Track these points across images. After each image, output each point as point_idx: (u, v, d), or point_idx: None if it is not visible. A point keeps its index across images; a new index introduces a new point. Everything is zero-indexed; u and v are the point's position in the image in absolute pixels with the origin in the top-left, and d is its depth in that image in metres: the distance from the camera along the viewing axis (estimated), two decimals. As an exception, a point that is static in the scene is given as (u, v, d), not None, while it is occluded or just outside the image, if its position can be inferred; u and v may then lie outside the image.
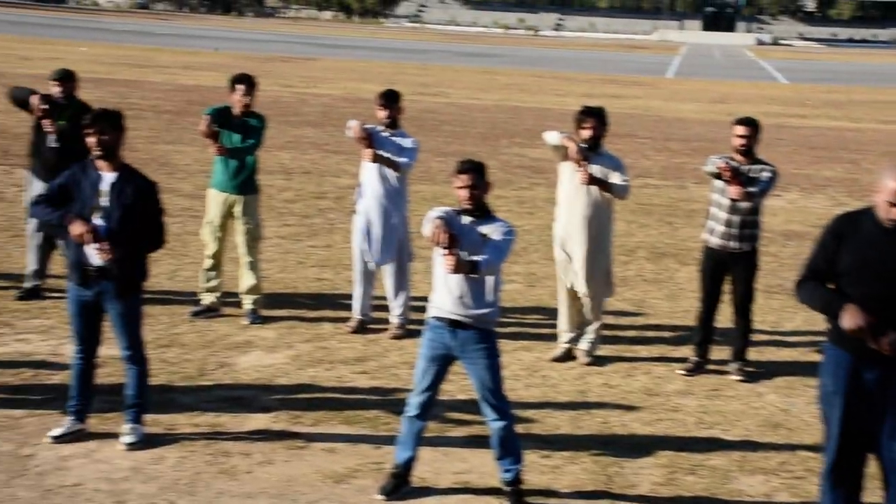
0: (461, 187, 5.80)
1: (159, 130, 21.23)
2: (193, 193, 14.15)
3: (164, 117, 22.89)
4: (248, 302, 9.20)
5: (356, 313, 9.13)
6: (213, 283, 9.26)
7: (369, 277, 9.13)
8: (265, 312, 9.25)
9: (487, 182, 5.90)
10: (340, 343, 8.71)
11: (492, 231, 5.79)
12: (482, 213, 5.87)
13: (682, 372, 8.36)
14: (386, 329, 9.03)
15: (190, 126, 22.08)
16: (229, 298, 9.37)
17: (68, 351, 7.87)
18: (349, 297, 9.48)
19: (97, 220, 6.20)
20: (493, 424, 5.94)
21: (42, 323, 8.68)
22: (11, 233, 11.73)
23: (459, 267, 5.60)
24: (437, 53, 61.64)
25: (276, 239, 12.03)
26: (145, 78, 32.70)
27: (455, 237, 5.61)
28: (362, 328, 9.06)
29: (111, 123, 6.29)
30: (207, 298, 9.27)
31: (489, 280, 5.82)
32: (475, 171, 5.82)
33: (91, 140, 6.23)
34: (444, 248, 5.60)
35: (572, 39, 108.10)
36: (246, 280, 9.20)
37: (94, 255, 6.22)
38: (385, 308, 9.16)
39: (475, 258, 5.66)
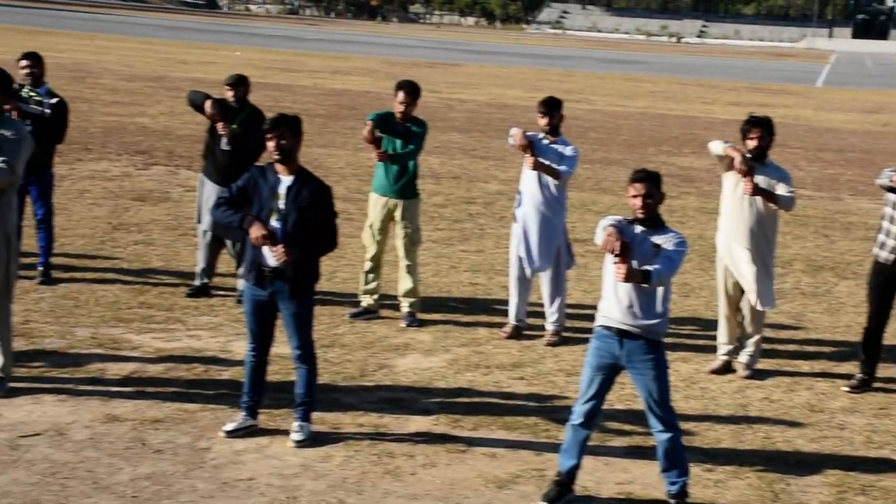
0: (635, 196, 5.75)
1: (312, 134, 21.60)
2: (347, 196, 14.37)
3: (316, 121, 23.31)
4: (405, 305, 9.30)
5: (512, 319, 9.14)
6: (372, 285, 9.38)
7: (525, 284, 9.13)
8: (421, 316, 9.32)
9: (661, 192, 5.84)
10: (496, 348, 8.73)
11: (664, 241, 5.73)
12: (655, 223, 5.81)
13: (848, 389, 8.12)
14: (541, 335, 9.01)
15: (341, 130, 22.49)
16: (386, 301, 9.48)
17: (237, 348, 8.12)
18: (503, 302, 9.49)
19: (274, 223, 6.34)
20: (659, 436, 5.87)
21: (211, 320, 8.92)
22: (179, 231, 12.08)
23: (631, 276, 5.56)
24: (580, 60, 61.35)
25: (429, 243, 12.13)
26: (296, 82, 33.38)
27: (628, 246, 5.56)
28: (518, 334, 9.07)
29: (290, 128, 6.43)
30: (366, 300, 9.40)
31: (659, 290, 5.75)
32: (650, 181, 5.76)
33: (270, 144, 6.38)
34: (616, 256, 5.56)
35: (716, 47, 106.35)
36: (404, 283, 9.30)
37: (270, 256, 6.37)
38: (540, 314, 9.15)
39: (647, 268, 5.61)
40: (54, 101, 9.31)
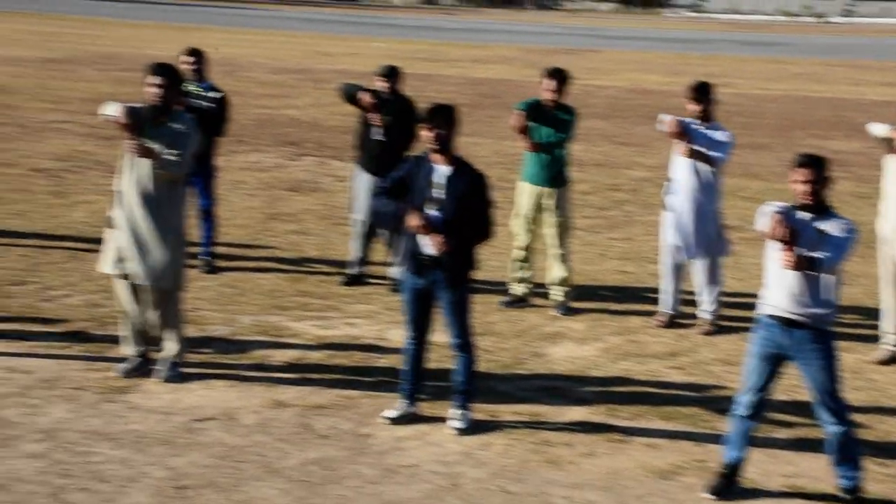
0: (800, 181, 5.58)
1: (455, 123, 21.68)
2: (492, 185, 14.33)
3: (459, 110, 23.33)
4: (557, 293, 9.25)
5: (665, 308, 9.00)
6: (524, 273, 9.36)
7: (679, 272, 8.98)
8: (573, 304, 9.26)
9: (827, 177, 5.65)
10: (650, 337, 8.61)
11: (831, 228, 5.55)
12: (821, 208, 5.63)
13: None
14: (695, 324, 8.85)
15: (484, 118, 22.47)
16: (537, 289, 9.45)
17: (393, 336, 8.20)
18: (654, 290, 9.35)
19: (432, 212, 6.37)
20: (829, 428, 5.70)
21: (367, 308, 9.03)
22: (331, 221, 12.26)
23: (799, 264, 5.40)
24: (721, 43, 60.05)
25: (576, 231, 12.02)
26: (438, 72, 33.51)
27: (795, 232, 5.41)
28: (672, 323, 8.93)
29: (446, 118, 6.45)
30: (518, 289, 9.38)
31: (828, 278, 5.58)
32: (815, 166, 5.59)
33: (427, 134, 6.41)
34: (783, 243, 5.41)
35: (864, 25, 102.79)
36: (556, 271, 9.25)
37: (428, 245, 6.40)
38: (693, 303, 8.99)
39: (816, 255, 5.44)
40: (217, 95, 9.55)
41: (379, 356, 7.83)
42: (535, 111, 9.08)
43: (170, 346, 7.16)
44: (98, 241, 10.46)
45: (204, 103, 9.36)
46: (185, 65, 9.33)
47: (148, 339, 7.22)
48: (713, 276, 8.88)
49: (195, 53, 9.52)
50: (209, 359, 7.57)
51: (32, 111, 18.98)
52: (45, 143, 15.97)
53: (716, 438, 6.19)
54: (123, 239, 6.96)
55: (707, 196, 8.75)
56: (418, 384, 6.75)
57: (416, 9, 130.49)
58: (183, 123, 6.95)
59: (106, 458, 5.91)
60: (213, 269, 9.73)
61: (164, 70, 6.96)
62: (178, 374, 7.14)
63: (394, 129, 9.25)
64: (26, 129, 16.97)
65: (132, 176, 6.91)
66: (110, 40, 37.28)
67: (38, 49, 30.58)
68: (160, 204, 6.92)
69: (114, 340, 7.70)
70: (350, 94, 9.37)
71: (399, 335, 7.87)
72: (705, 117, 8.70)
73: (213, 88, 9.60)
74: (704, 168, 8.68)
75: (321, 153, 17.12)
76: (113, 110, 6.77)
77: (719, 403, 6.96)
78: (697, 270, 8.92)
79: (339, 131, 19.46)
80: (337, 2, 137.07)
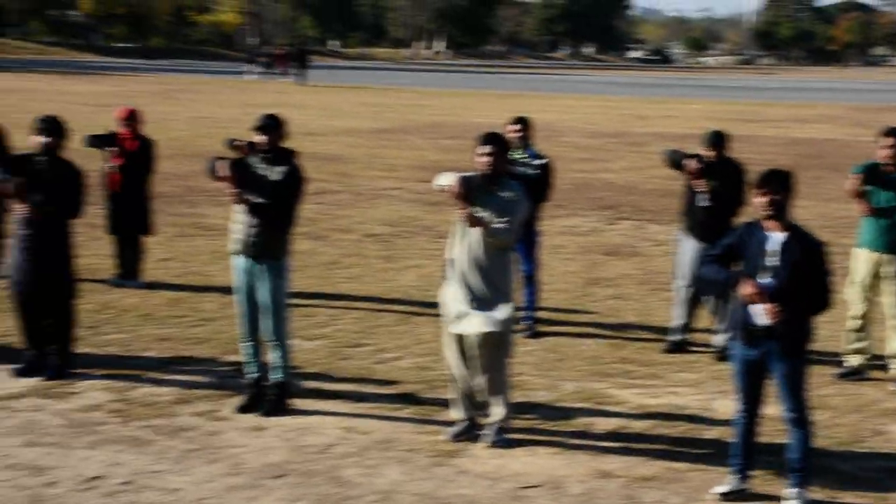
0: None
1: (778, 184, 20.90)
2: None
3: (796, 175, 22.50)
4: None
5: None
6: (860, 344, 8.78)
7: None
8: (916, 377, 8.58)
9: None
10: None
11: None
12: None
13: None
14: None
15: (808, 180, 21.53)
16: (875, 361, 8.83)
17: (720, 406, 7.88)
18: None
19: (764, 280, 6.08)
20: None
21: (691, 376, 8.75)
22: (651, 286, 12.05)
23: None
24: None
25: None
26: (757, 132, 32.58)
27: None
28: None
29: (782, 183, 6.17)
30: (854, 360, 8.80)
31: None
32: None
33: (762, 200, 6.14)
34: None
35: None
36: (895, 343, 8.62)
37: (761, 314, 6.10)
38: None
39: None
40: (542, 161, 9.64)
41: (705, 427, 7.54)
42: (873, 174, 8.56)
43: (496, 412, 7.19)
44: (427, 304, 10.83)
45: (529, 171, 9.46)
46: (511, 133, 9.47)
47: (475, 404, 7.28)
48: None
49: (521, 121, 9.66)
50: (533, 424, 7.54)
51: (366, 178, 19.96)
52: (376, 209, 16.72)
53: None
54: (452, 304, 7.08)
55: None
56: (750, 459, 6.41)
57: (732, 69, 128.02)
58: (512, 191, 7.02)
59: (439, 522, 5.97)
60: (535, 334, 9.75)
61: (494, 139, 7.09)
62: (504, 439, 7.15)
63: (721, 194, 8.98)
64: (360, 196, 17.84)
65: (463, 244, 7.04)
66: (436, 109, 38.81)
67: (371, 120, 32.27)
68: (490, 271, 7.00)
69: (442, 403, 7.83)
70: (675, 161, 9.20)
71: (726, 406, 7.56)
72: None
73: (538, 155, 9.70)
74: None
75: (638, 217, 16.94)
76: (448, 181, 6.93)
77: None
78: None
79: (656, 195, 19.24)
80: (651, 65, 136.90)
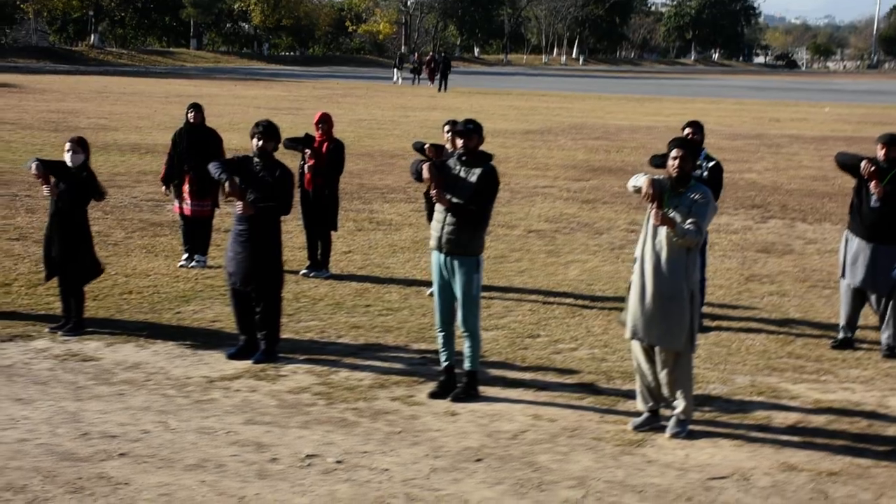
0: None
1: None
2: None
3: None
4: None
5: None
6: None
7: None
8: None
9: None
10: None
11: None
12: None
13: None
14: None
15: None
16: None
17: (895, 403, 7.49)
18: None
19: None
20: None
21: (861, 373, 8.36)
22: (809, 283, 11.60)
23: None
24: None
25: None
26: (892, 134, 31.26)
27: None
28: None
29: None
30: None
31: None
32: None
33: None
34: None
35: None
36: None
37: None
38: None
39: None
40: (712, 163, 9.36)
41: (885, 424, 7.18)
42: None
43: (679, 405, 6.97)
44: (594, 298, 10.65)
45: (703, 173, 9.17)
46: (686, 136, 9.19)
47: (658, 397, 7.08)
48: None
49: (694, 125, 9.38)
50: (712, 417, 7.29)
51: (520, 178, 19.80)
52: (534, 206, 16.55)
53: None
54: (637, 303, 6.90)
55: None
56: (939, 459, 6.06)
57: (858, 74, 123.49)
58: (701, 193, 6.79)
59: (634, 510, 5.80)
60: (701, 329, 9.45)
61: (684, 144, 6.88)
62: (686, 431, 6.92)
63: (892, 196, 8.54)
64: (517, 194, 17.69)
65: (650, 243, 6.84)
66: (577, 112, 38.38)
67: (519, 122, 32.09)
68: (674, 270, 6.78)
69: (622, 394, 7.67)
70: (847, 164, 8.80)
71: (902, 404, 7.20)
72: None
73: (709, 157, 9.40)
74: None
75: (786, 216, 16.37)
76: (641, 182, 6.75)
77: None
78: None
79: (800, 194, 18.63)
80: (777, 70, 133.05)
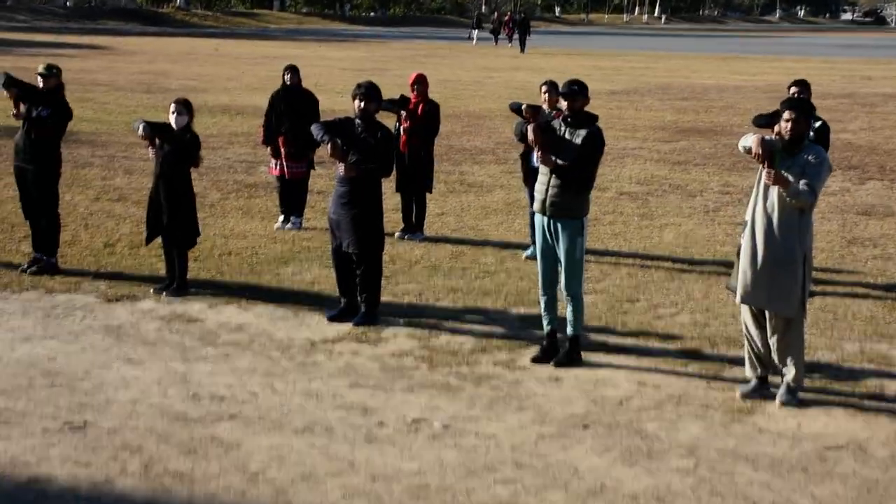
0: None
1: None
2: None
3: None
4: None
5: None
6: None
7: None
8: None
9: None
10: None
11: None
12: None
13: None
14: None
15: None
16: None
17: None
18: None
19: None
20: None
21: (978, 342, 8.03)
22: (916, 248, 11.19)
23: None
24: None
25: None
26: None
27: None
28: None
29: None
30: None
31: None
32: None
33: None
34: None
35: None
36: None
37: None
38: None
39: None
40: (819, 123, 9.06)
41: None
42: None
43: (789, 371, 6.75)
44: (692, 262, 10.41)
45: (811, 133, 8.85)
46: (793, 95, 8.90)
47: (767, 363, 6.87)
48: None
49: (801, 84, 9.06)
50: (823, 385, 7.07)
51: (609, 139, 19.31)
52: (625, 168, 16.26)
53: None
54: (748, 266, 6.68)
55: None
56: None
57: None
58: (815, 154, 6.53)
59: (749, 480, 5.63)
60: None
61: (798, 105, 6.63)
62: (796, 399, 6.72)
63: None
64: (606, 156, 17.15)
65: (761, 205, 6.61)
66: (662, 72, 37.66)
67: (604, 83, 31.55)
68: (787, 232, 6.55)
69: (727, 360, 7.48)
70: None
71: None
72: None
73: (815, 117, 9.05)
74: None
75: (885, 177, 15.83)
76: (748, 142, 6.53)
77: None
78: None
79: (901, 155, 18.00)
80: (865, 27, 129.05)
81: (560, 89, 7.42)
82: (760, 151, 6.44)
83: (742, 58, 49.07)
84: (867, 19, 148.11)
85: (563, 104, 7.25)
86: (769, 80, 35.39)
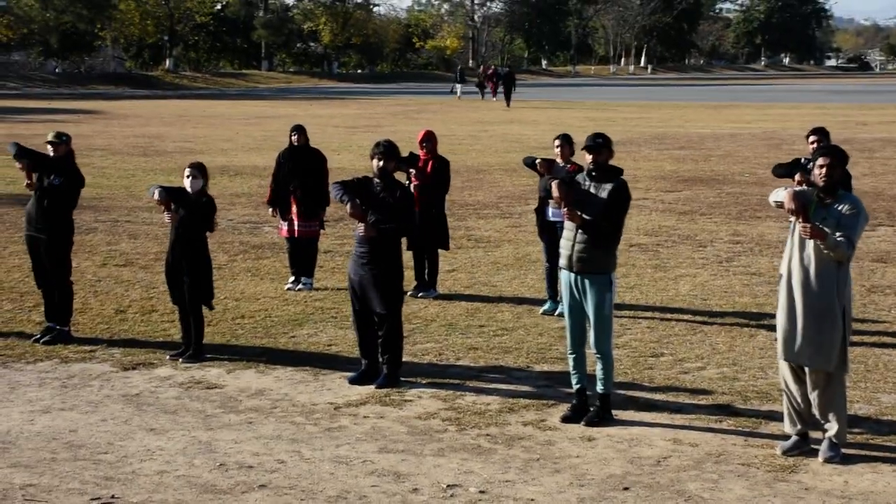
0: None
1: None
2: None
3: None
4: None
5: None
6: None
7: None
8: None
9: None
10: None
11: None
12: None
13: None
14: None
15: None
16: None
17: None
18: None
19: None
20: None
21: None
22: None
23: None
24: None
25: None
26: None
27: None
28: None
29: None
30: None
31: None
32: None
33: None
34: None
35: None
36: None
37: None
38: None
39: None
40: (841, 173, 8.99)
41: None
42: None
43: (832, 427, 6.61)
44: (712, 314, 10.29)
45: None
46: (811, 144, 8.89)
47: (807, 419, 6.73)
48: None
49: (819, 132, 9.04)
50: (864, 439, 6.93)
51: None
52: (631, 219, 16.11)
53: None
54: (786, 321, 6.57)
55: None
56: None
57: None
58: (849, 204, 6.46)
59: (804, 542, 5.47)
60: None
61: (832, 152, 6.57)
62: (840, 455, 6.57)
63: None
64: (611, 207, 17.34)
65: (797, 257, 6.52)
66: (656, 122, 37.85)
67: (599, 134, 31.74)
68: (825, 285, 6.45)
69: (762, 415, 7.34)
70: None
71: None
72: None
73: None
74: None
75: (895, 223, 15.80)
76: (780, 196, 6.45)
77: None
78: None
79: (907, 201, 18.01)
80: (851, 73, 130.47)
81: (585, 142, 7.36)
82: (794, 206, 6.36)
83: (734, 105, 49.48)
84: (852, 65, 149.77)
85: (588, 158, 7.19)
86: (764, 127, 35.67)
